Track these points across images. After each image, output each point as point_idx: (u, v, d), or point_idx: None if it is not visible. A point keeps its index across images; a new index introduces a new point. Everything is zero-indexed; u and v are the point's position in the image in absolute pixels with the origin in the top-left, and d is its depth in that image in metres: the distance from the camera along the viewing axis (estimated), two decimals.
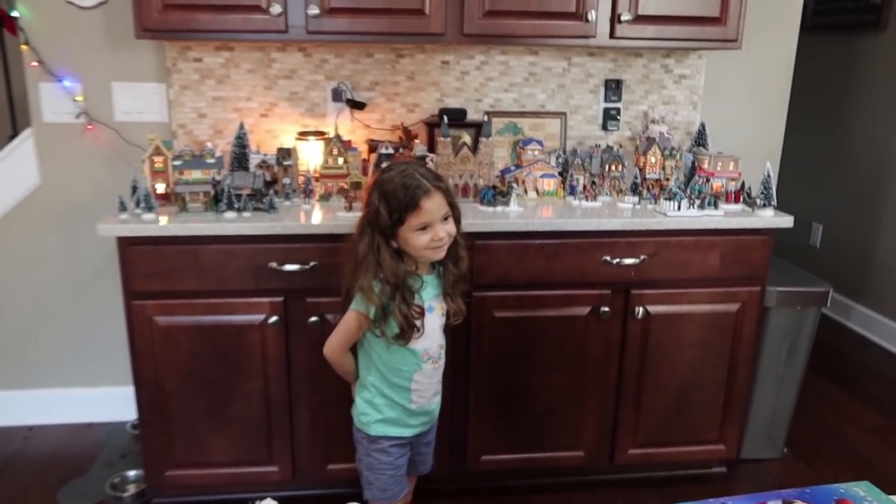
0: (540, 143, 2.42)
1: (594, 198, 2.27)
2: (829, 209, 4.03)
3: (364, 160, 2.34)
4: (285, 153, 2.25)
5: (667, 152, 2.36)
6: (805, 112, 4.03)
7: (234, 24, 2.08)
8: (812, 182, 4.12)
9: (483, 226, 2.03)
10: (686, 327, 2.20)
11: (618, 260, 2.10)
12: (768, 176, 2.18)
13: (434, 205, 1.46)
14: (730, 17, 2.28)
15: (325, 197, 2.22)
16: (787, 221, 2.18)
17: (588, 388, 2.21)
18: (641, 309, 2.15)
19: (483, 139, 2.30)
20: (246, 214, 2.02)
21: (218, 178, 2.09)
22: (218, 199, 2.03)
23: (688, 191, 2.21)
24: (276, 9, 2.06)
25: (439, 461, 2.12)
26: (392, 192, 1.46)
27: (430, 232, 1.48)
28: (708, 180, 2.26)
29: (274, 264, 1.96)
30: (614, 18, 2.21)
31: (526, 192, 2.31)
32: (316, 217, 2.06)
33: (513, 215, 2.10)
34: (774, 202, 2.19)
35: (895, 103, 3.53)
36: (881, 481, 1.16)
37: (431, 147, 2.40)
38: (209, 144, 2.28)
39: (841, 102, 3.92)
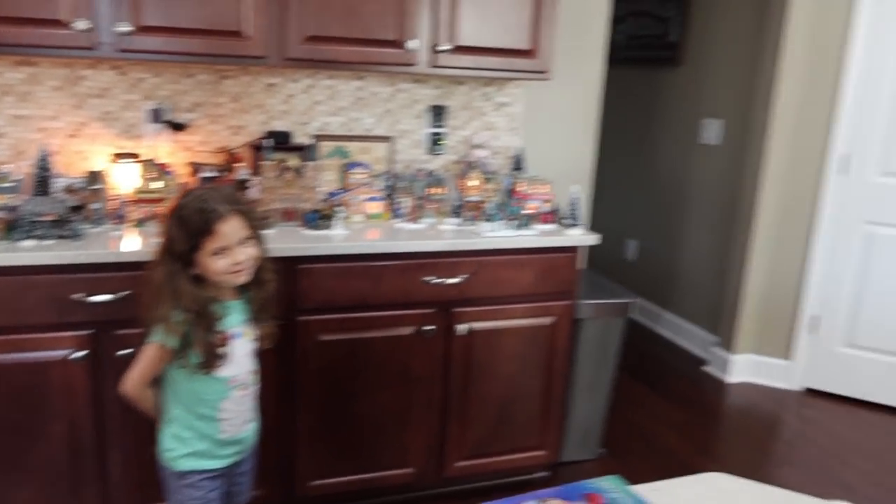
0: (365, 166, 2.47)
1: (418, 220, 2.35)
2: (642, 226, 4.42)
3: (184, 184, 2.27)
4: (95, 176, 2.13)
5: (487, 176, 2.50)
6: (619, 137, 4.41)
7: (34, 38, 1.95)
8: (626, 201, 4.50)
9: (306, 249, 2.04)
10: (506, 342, 2.33)
11: (440, 280, 2.19)
12: (575, 198, 2.37)
13: (231, 228, 1.46)
14: (541, 50, 2.46)
15: (140, 222, 2.12)
16: (592, 239, 2.38)
17: (415, 405, 2.27)
18: (463, 326, 2.25)
19: (309, 163, 2.31)
20: (47, 242, 1.88)
21: (16, 203, 1.93)
22: (14, 227, 1.88)
23: (505, 212, 2.35)
24: (81, 24, 1.95)
25: (268, 489, 2.09)
26: (187, 218, 1.45)
27: (228, 256, 1.47)
28: (523, 202, 2.41)
29: (80, 295, 1.85)
30: (433, 48, 2.32)
31: (352, 215, 2.35)
32: (128, 244, 1.97)
33: (337, 238, 2.13)
34: (581, 222, 2.39)
35: (690, 129, 3.97)
36: (683, 472, 1.29)
37: (257, 170, 2.37)
38: (7, 167, 2.10)
39: (647, 128, 4.33)
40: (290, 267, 2.03)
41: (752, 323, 3.54)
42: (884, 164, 3.19)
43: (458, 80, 2.71)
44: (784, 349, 3.51)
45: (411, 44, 2.27)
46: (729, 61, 3.70)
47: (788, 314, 3.48)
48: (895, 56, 3.09)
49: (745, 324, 3.54)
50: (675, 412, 3.22)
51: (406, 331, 2.19)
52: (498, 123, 2.82)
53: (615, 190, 4.53)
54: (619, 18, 4.39)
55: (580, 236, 2.35)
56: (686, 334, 4.04)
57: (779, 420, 3.24)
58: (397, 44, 2.27)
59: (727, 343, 3.62)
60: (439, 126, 2.72)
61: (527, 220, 2.34)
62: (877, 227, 3.25)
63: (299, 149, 2.45)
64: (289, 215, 2.26)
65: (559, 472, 2.64)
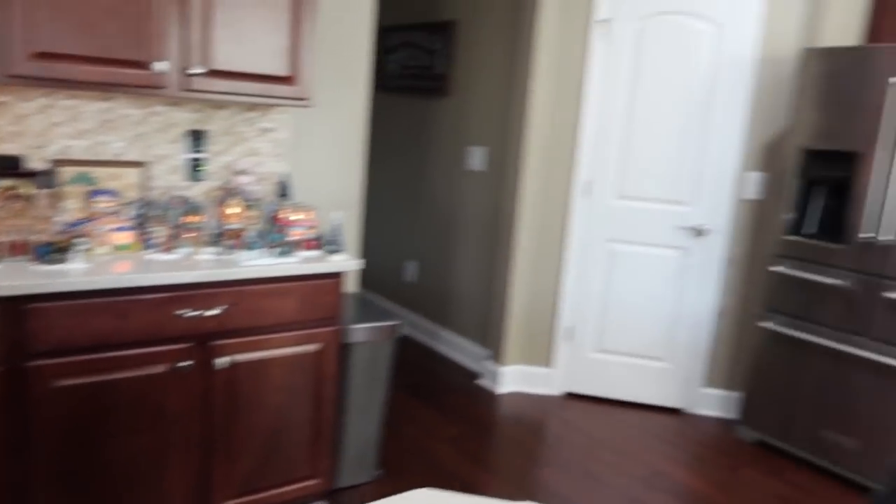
0: (113, 193, 2.30)
1: (172, 250, 2.23)
2: (419, 248, 4.59)
3: None
4: None
5: (249, 203, 2.44)
6: (395, 162, 4.56)
7: None
8: (404, 225, 4.65)
9: (36, 286, 1.85)
10: (272, 372, 2.28)
11: (197, 312, 2.09)
12: (337, 224, 2.40)
13: None
14: (300, 77, 2.47)
15: None
16: (356, 264, 2.41)
17: (174, 446, 2.14)
18: (225, 359, 2.17)
19: (44, 190, 2.10)
20: None
21: None
22: None
23: (266, 240, 2.31)
24: None
25: None
26: None
27: None
28: (286, 229, 2.39)
29: None
30: (184, 71, 2.23)
31: (96, 247, 2.17)
32: None
33: (75, 273, 1.95)
34: (345, 247, 2.42)
35: (458, 156, 4.21)
36: (457, 484, 1.33)
37: None
38: None
39: (421, 154, 4.52)
40: (15, 307, 1.82)
41: (518, 335, 3.82)
42: (618, 189, 3.62)
43: (219, 105, 2.63)
44: (546, 358, 3.83)
45: (159, 66, 2.16)
46: (490, 94, 3.99)
47: (548, 325, 3.80)
48: (622, 100, 3.55)
49: (511, 337, 3.80)
50: (450, 426, 3.36)
51: (159, 369, 2.06)
52: (262, 149, 2.77)
53: (393, 214, 4.66)
54: (393, 48, 4.58)
55: (343, 262, 2.38)
56: (461, 350, 4.25)
57: (543, 425, 3.51)
58: (142, 65, 2.16)
59: (497, 356, 3.86)
60: (199, 151, 2.62)
61: (290, 248, 2.33)
62: (615, 244, 3.67)
63: (32, 174, 2.21)
64: (17, 249, 2.03)
65: (337, 499, 2.63)
